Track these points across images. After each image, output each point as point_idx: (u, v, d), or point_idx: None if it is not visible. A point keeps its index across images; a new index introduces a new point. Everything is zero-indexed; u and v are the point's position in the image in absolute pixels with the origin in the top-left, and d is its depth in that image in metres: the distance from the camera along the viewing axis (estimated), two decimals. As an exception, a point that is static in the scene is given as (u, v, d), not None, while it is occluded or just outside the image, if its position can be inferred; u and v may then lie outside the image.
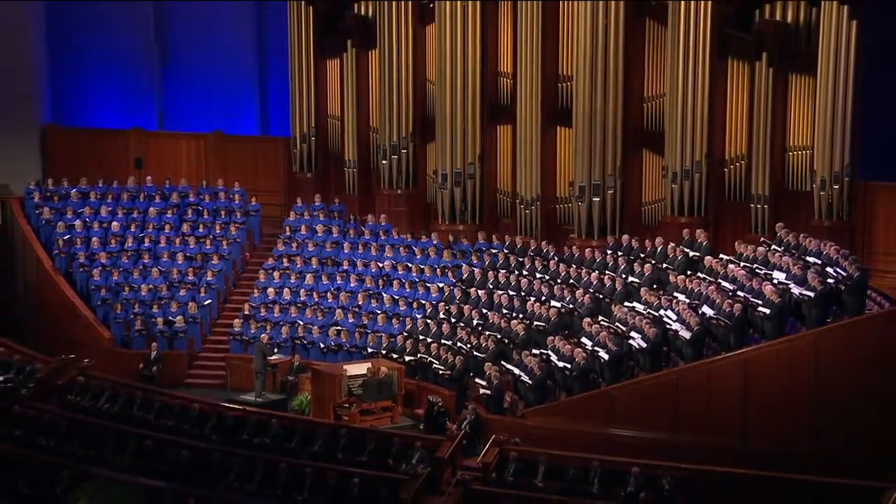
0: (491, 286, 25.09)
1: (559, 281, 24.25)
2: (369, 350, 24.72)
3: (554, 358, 21.81)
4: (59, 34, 31.20)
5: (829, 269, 20.56)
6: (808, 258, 21.23)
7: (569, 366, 21.43)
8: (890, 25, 24.62)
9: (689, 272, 22.77)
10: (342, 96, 29.28)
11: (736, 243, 23.14)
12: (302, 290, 26.61)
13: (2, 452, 19.87)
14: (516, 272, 25.19)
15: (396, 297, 25.84)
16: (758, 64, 24.55)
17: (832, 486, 17.53)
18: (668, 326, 21.21)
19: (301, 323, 25.73)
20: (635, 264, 23.65)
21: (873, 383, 19.21)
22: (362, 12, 29.10)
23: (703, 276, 22.30)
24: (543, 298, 23.88)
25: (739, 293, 20.99)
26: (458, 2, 26.92)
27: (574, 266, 24.55)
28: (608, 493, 18.30)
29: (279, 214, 29.79)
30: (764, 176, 24.67)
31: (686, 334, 20.78)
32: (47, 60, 31.15)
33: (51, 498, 18.64)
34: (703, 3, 24.65)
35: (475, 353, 23.19)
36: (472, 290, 25.13)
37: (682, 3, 24.77)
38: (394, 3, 27.76)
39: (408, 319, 25.13)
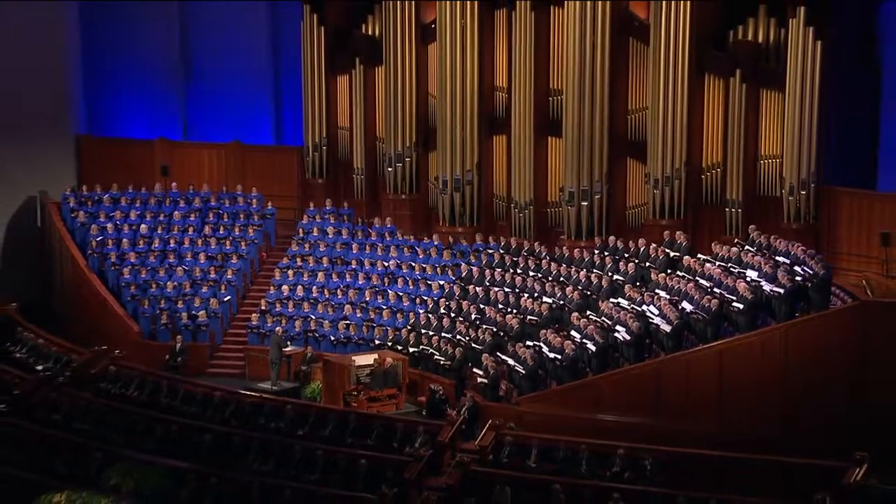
0: (488, 283, 25.10)
1: (550, 279, 24.27)
2: (376, 342, 24.72)
3: (545, 349, 21.81)
4: (94, 55, 31.20)
5: (797, 268, 20.59)
6: (777, 258, 21.26)
7: (559, 357, 21.45)
8: (851, 45, 24.66)
9: (669, 270, 22.80)
10: (351, 109, 29.27)
11: (712, 244, 23.19)
12: (314, 287, 26.63)
13: (41, 435, 19.96)
14: (511, 270, 25.19)
15: (401, 294, 25.86)
16: (732, 80, 24.54)
17: (799, 466, 17.62)
18: (650, 320, 21.23)
19: (313, 317, 25.74)
20: (620, 263, 23.67)
21: (837, 373, 19.26)
22: (370, 32, 29.10)
23: (683, 274, 22.33)
24: (536, 295, 23.90)
25: (716, 290, 21.01)
26: (459, 3, 26.91)
27: (564, 265, 24.56)
28: (595, 473, 18.37)
29: (293, 217, 29.71)
30: (738, 182, 24.66)
31: (667, 328, 20.81)
32: (82, 78, 31.15)
33: (85, 477, 18.70)
34: (682, 24, 24.67)
35: (473, 345, 23.20)
36: (471, 287, 25.13)
37: (663, 24, 24.79)
38: (399, 23, 27.78)
39: (411, 314, 25.14)
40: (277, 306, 26.37)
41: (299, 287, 26.72)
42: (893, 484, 16.73)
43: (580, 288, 23.42)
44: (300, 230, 28.69)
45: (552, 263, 24.81)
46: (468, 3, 26.92)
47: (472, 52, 27.08)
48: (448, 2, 26.97)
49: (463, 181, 27.38)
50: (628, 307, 21.85)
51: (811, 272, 20.35)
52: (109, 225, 28.42)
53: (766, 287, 20.45)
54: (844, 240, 23.69)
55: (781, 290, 20.16)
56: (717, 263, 21.99)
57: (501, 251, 26.05)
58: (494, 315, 23.74)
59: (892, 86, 24.24)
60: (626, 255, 23.92)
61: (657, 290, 21.99)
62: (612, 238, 24.77)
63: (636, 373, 20.59)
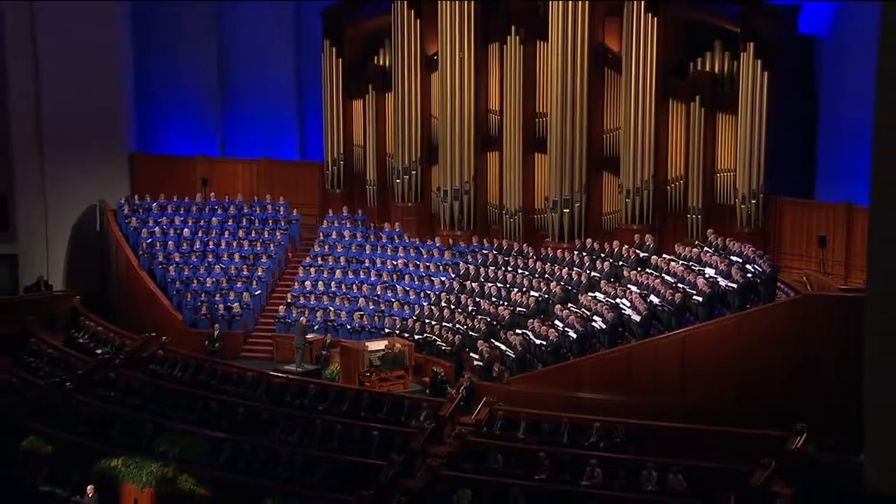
0: (482, 280, 25.19)
1: (537, 275, 24.36)
2: (386, 330, 24.76)
3: (532, 336, 21.89)
4: (145, 84, 31.32)
5: (748, 266, 20.68)
6: (732, 257, 21.33)
7: (544, 343, 21.52)
8: (793, 76, 24.77)
9: (639, 268, 22.88)
10: (365, 129, 29.34)
11: (676, 245, 23.26)
12: (333, 283, 26.73)
13: (101, 409, 20.09)
14: (503, 268, 25.29)
15: (407, 289, 25.95)
16: (692, 104, 24.63)
17: (750, 435, 17.72)
18: (623, 311, 21.29)
19: (332, 308, 25.82)
20: (597, 262, 23.77)
21: (782, 355, 19.34)
22: (381, 63, 29.21)
23: (651, 271, 22.41)
24: (524, 289, 23.99)
25: (679, 285, 21.09)
26: (458, 38, 26.99)
27: (548, 263, 24.66)
28: (575, 443, 18.47)
29: (315, 223, 29.78)
30: (698, 192, 24.75)
31: (637, 317, 20.86)
32: (135, 104, 31.29)
33: (138, 445, 18.85)
34: (649, 57, 24.77)
35: (470, 332, 23.27)
36: (468, 282, 25.24)
37: (633, 56, 24.89)
38: (406, 56, 27.88)
39: (417, 306, 25.22)
40: (301, 299, 26.47)
41: (320, 283, 26.81)
42: (827, 450, 16.86)
43: (562, 283, 23.52)
44: (321, 234, 28.78)
45: (538, 262, 24.91)
46: (466, 38, 27.05)
47: (470, 80, 27.16)
48: (449, 37, 27.09)
49: (461, 191, 27.47)
50: (604, 300, 21.93)
51: (760, 270, 20.46)
52: (157, 229, 28.56)
53: (722, 282, 20.54)
54: (788, 242, 23.75)
55: (735, 285, 20.26)
56: (680, 262, 22.08)
57: (494, 251, 26.15)
58: (488, 307, 23.84)
59: (828, 111, 24.33)
60: (602, 255, 24.02)
61: (629, 285, 22.07)
62: (589, 240, 24.87)
63: (611, 356, 20.60)
